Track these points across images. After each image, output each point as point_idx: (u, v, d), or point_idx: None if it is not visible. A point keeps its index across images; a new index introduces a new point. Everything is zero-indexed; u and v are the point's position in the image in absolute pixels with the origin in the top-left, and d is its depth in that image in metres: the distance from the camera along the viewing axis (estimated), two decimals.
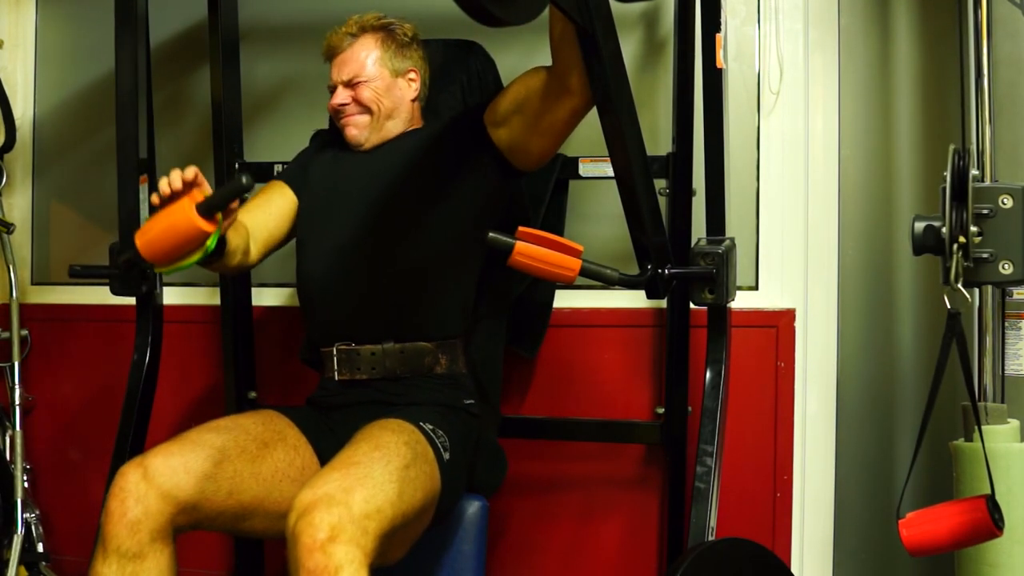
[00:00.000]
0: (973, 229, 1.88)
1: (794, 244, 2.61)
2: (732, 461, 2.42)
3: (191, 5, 2.76)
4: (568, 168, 2.51)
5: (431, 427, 2.04)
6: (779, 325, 2.58)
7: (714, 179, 2.36)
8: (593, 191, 2.61)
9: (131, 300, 2.36)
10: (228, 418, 2.15)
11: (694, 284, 2.17)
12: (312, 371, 2.32)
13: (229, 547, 2.78)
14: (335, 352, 2.21)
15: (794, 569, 2.55)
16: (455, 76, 2.49)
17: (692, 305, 2.30)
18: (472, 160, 2.20)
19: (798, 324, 2.58)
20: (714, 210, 2.36)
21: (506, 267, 1.91)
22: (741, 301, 2.46)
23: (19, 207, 3.09)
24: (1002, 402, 2.23)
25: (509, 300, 2.43)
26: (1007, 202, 1.92)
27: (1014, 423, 2.19)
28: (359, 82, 2.25)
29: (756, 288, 2.61)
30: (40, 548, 2.91)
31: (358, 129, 2.27)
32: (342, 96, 2.27)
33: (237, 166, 2.62)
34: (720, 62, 2.29)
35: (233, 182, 1.77)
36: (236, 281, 2.62)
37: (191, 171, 1.82)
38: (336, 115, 2.30)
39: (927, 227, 1.91)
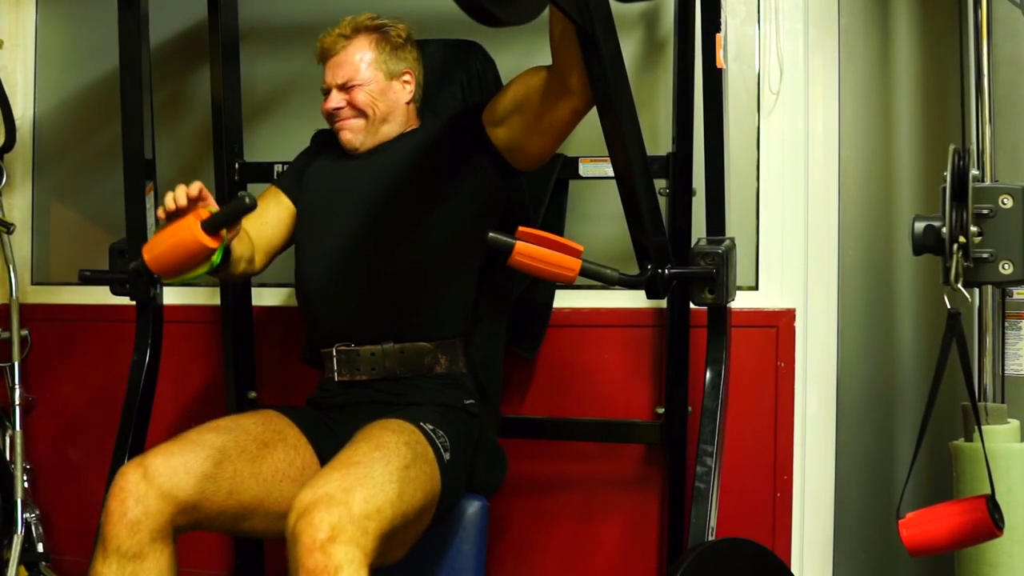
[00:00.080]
0: (973, 229, 1.88)
1: (794, 244, 2.61)
2: (732, 461, 2.42)
3: (191, 5, 2.76)
4: (568, 168, 2.51)
5: (431, 427, 2.04)
6: (779, 325, 2.58)
7: (714, 179, 2.36)
8: (593, 191, 2.61)
9: (131, 300, 2.36)
10: (228, 418, 2.15)
11: (694, 284, 2.17)
12: (312, 371, 2.32)
13: (229, 547, 2.78)
14: (335, 353, 2.21)
15: (794, 569, 2.55)
16: (455, 76, 2.49)
17: (692, 305, 2.30)
18: (471, 160, 2.19)
19: (798, 324, 2.58)
20: (714, 210, 2.36)
21: (506, 267, 1.91)
22: (741, 301, 2.45)
23: (19, 207, 3.09)
24: (1002, 402, 2.23)
25: (509, 300, 2.43)
26: (1007, 202, 1.92)
27: (1014, 423, 2.19)
28: (353, 85, 2.24)
29: (756, 288, 2.61)
30: (40, 548, 2.91)
31: (353, 133, 2.27)
32: (336, 100, 2.26)
33: (237, 166, 2.62)
34: (720, 62, 2.29)
35: (237, 201, 1.83)
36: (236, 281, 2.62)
37: (195, 187, 1.87)
38: (330, 119, 2.29)
39: (927, 227, 1.91)
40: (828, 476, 2.60)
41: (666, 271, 2.06)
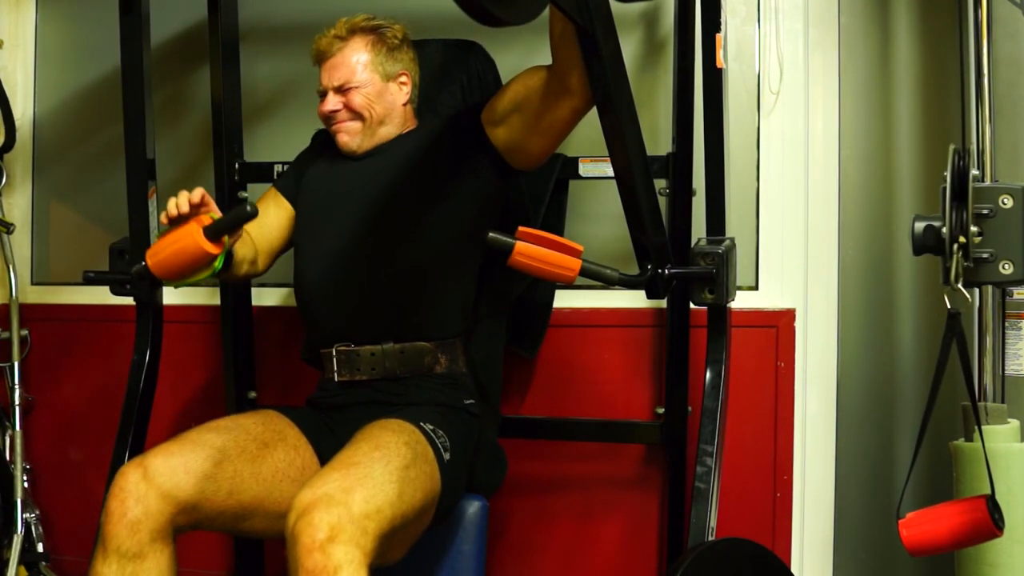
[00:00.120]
0: (973, 229, 1.88)
1: (794, 244, 2.61)
2: (732, 461, 2.42)
3: (191, 5, 2.76)
4: (568, 168, 2.51)
5: (431, 427, 2.04)
6: (779, 325, 2.58)
7: (714, 179, 2.36)
8: (593, 191, 2.61)
9: (131, 300, 2.37)
10: (228, 418, 2.15)
11: (694, 284, 2.17)
12: (312, 371, 2.32)
13: (229, 547, 2.78)
14: (334, 353, 2.21)
15: (794, 569, 2.55)
16: (455, 76, 2.49)
17: (692, 305, 2.30)
18: (470, 160, 2.19)
19: (798, 324, 2.58)
20: (714, 210, 2.36)
21: (506, 267, 1.91)
22: (741, 301, 2.45)
23: (19, 207, 3.09)
24: (1002, 402, 2.23)
25: (509, 300, 2.42)
26: (1007, 202, 1.92)
27: (1014, 423, 2.19)
28: (350, 88, 2.23)
29: (756, 288, 2.61)
30: (40, 548, 2.91)
31: (350, 136, 2.26)
32: (333, 102, 2.25)
33: (237, 166, 2.62)
34: (720, 62, 2.29)
35: (238, 209, 1.89)
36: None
37: (197, 194, 1.91)
38: (327, 121, 2.28)
39: (927, 227, 1.91)
40: (828, 476, 2.60)
41: (666, 271, 2.06)
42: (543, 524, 2.69)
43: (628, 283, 2.02)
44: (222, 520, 1.98)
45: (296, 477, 2.04)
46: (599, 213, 2.62)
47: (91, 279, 2.30)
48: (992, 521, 1.85)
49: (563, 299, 2.61)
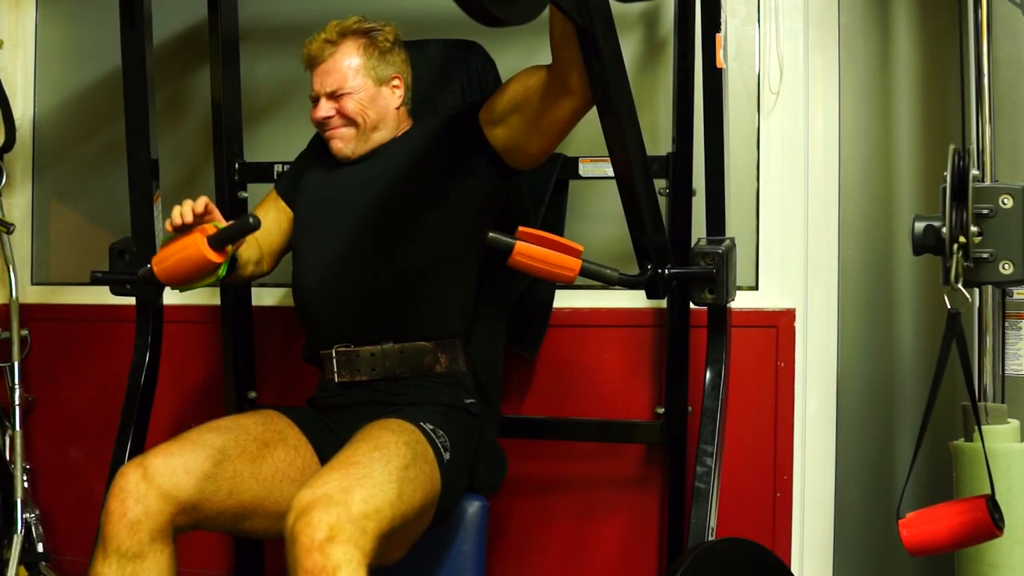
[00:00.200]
0: (973, 229, 1.88)
1: (794, 244, 2.60)
2: (732, 461, 2.42)
3: (191, 5, 2.76)
4: (568, 168, 2.51)
5: (431, 427, 2.04)
6: (779, 325, 2.58)
7: (714, 179, 2.36)
8: (593, 191, 2.61)
9: (131, 300, 2.37)
10: (228, 418, 2.15)
11: (694, 284, 2.17)
12: (312, 371, 2.32)
13: (229, 547, 2.78)
14: (334, 354, 2.21)
15: (794, 569, 2.55)
16: (455, 76, 2.49)
17: (692, 305, 2.30)
18: (469, 159, 2.19)
19: (798, 324, 2.58)
20: (714, 210, 2.36)
21: (506, 267, 1.91)
22: (741, 301, 2.45)
23: (19, 207, 3.09)
24: (1002, 402, 2.23)
25: (509, 300, 2.42)
26: (1007, 202, 1.91)
27: (1014, 423, 2.19)
28: (343, 94, 2.22)
29: (756, 288, 2.61)
30: (40, 548, 2.91)
31: (344, 142, 2.26)
32: (326, 109, 2.24)
33: (237, 166, 2.62)
34: (720, 62, 2.29)
35: (242, 220, 1.95)
36: None
37: (201, 204, 1.96)
38: (320, 127, 2.27)
39: (927, 227, 1.91)
40: (828, 476, 2.60)
41: (666, 271, 2.06)
42: (543, 524, 2.69)
43: (628, 283, 2.02)
44: (222, 520, 1.98)
45: (296, 477, 2.04)
46: (599, 213, 2.62)
47: (99, 279, 2.30)
48: (992, 521, 1.85)
49: (563, 299, 2.61)
